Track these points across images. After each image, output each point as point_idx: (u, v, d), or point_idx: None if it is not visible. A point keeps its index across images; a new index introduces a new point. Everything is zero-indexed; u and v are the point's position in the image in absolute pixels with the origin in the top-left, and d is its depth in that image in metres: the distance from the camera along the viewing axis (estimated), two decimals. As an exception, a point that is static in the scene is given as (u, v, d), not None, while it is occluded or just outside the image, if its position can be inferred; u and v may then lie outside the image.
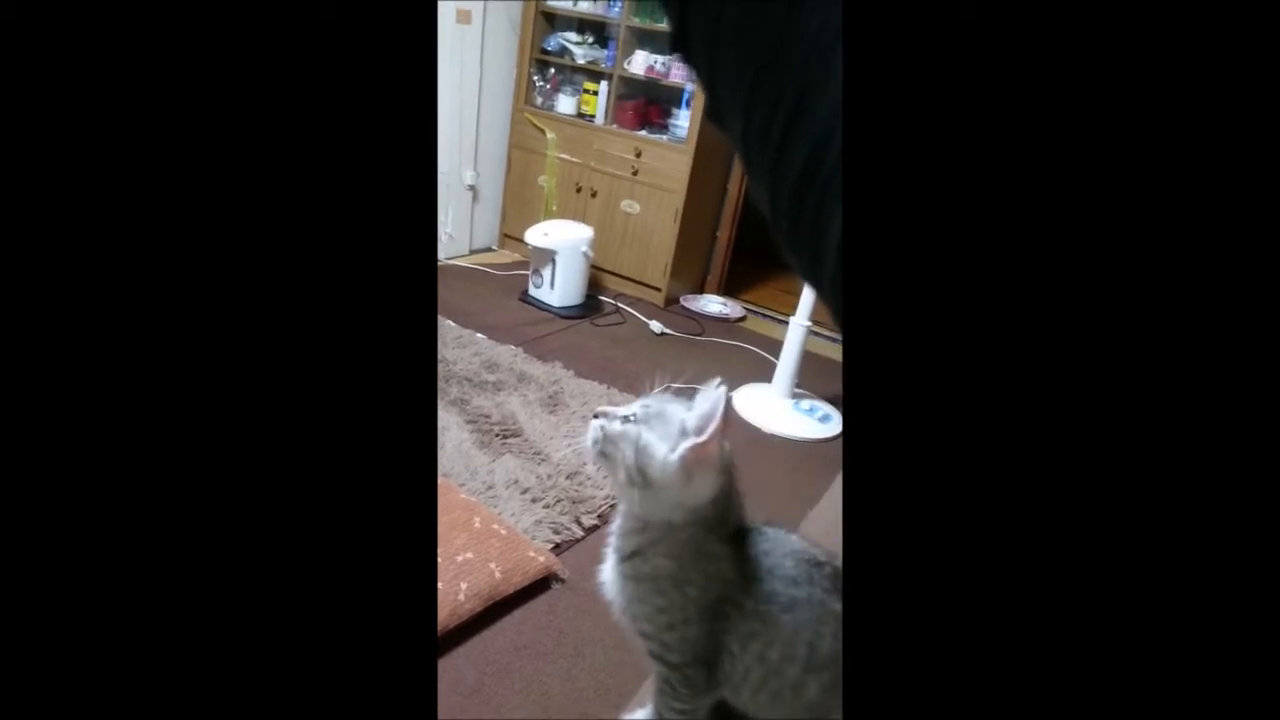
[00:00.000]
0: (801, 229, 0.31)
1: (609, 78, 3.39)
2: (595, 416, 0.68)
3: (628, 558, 0.70)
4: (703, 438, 0.62)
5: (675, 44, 0.35)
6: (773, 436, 2.45)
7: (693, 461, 0.63)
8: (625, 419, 0.66)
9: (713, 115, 0.34)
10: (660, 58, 3.25)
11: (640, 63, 3.28)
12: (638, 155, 3.32)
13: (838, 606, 0.67)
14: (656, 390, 0.72)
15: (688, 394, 0.70)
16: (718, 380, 0.70)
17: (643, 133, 3.36)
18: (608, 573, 0.74)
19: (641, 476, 0.65)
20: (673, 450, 0.63)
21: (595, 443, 0.67)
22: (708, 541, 0.67)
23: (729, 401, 0.64)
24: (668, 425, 0.65)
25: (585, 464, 2.06)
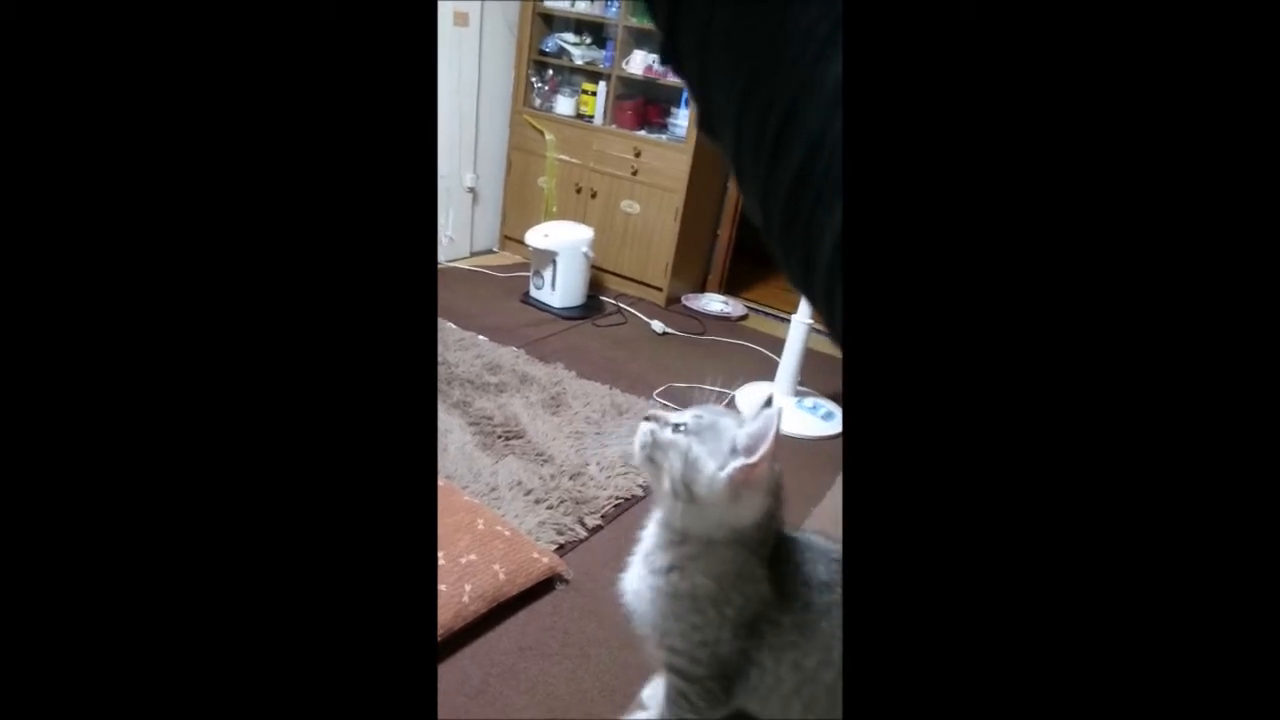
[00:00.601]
0: (794, 233, 0.31)
1: (607, 78, 3.39)
2: (646, 419, 0.67)
3: (664, 571, 0.68)
4: (753, 459, 0.61)
5: (666, 54, 0.34)
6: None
7: (741, 482, 0.61)
8: (676, 427, 0.65)
9: (705, 125, 0.34)
10: (658, 56, 3.25)
11: (638, 62, 3.28)
12: (637, 155, 3.32)
13: None
14: (710, 400, 0.70)
15: (719, 397, 0.69)
16: (768, 397, 0.68)
17: (642, 132, 3.36)
18: (634, 583, 0.72)
19: (687, 490, 0.63)
20: (721, 468, 0.62)
21: (644, 447, 0.65)
22: (749, 563, 0.65)
23: (780, 422, 0.62)
24: (719, 440, 0.63)
25: (588, 464, 2.06)
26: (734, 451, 0.63)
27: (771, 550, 0.68)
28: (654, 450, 0.65)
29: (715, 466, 0.62)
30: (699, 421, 0.65)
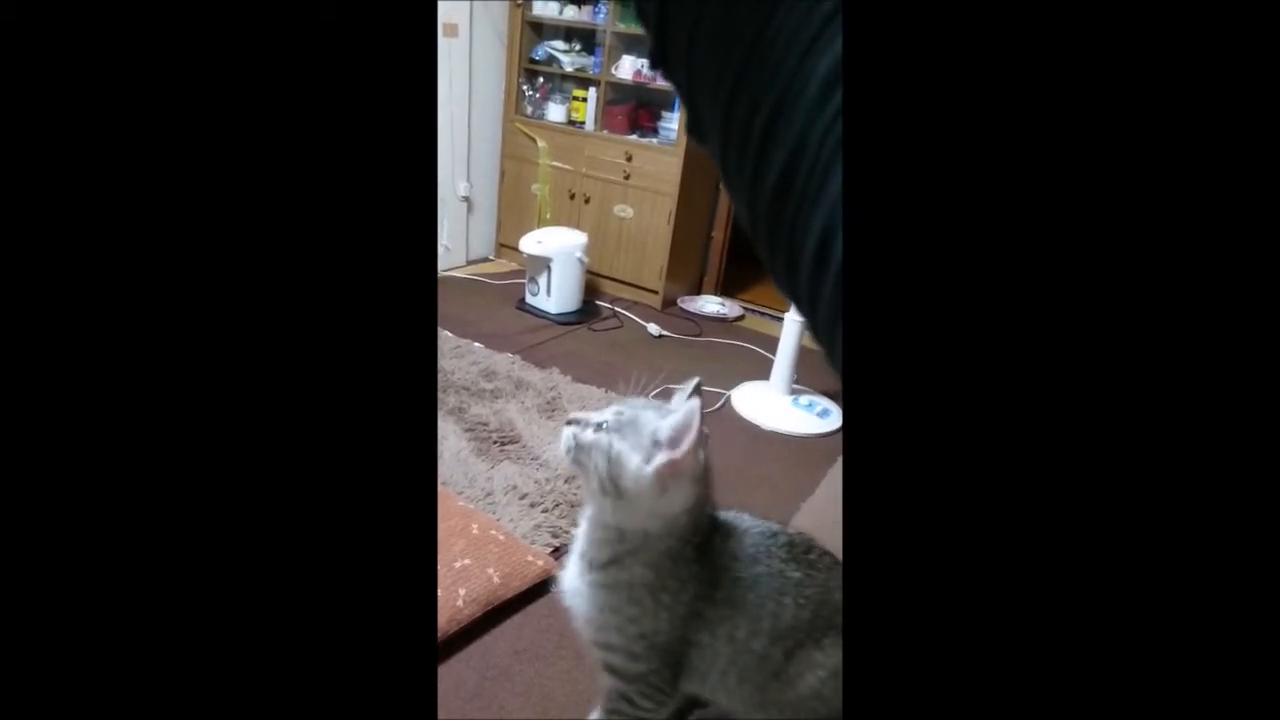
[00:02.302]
0: (779, 234, 0.31)
1: (597, 84, 3.41)
2: (569, 423, 0.68)
3: (602, 566, 0.69)
4: (677, 453, 0.61)
5: (655, 58, 0.35)
6: (772, 434, 2.45)
7: (668, 475, 0.62)
8: (598, 427, 0.66)
9: (693, 128, 0.35)
10: (647, 62, 3.27)
11: (627, 68, 3.30)
12: (629, 160, 3.34)
13: (795, 574, 0.67)
14: (631, 394, 0.71)
15: (669, 395, 0.69)
16: (695, 385, 0.69)
17: (633, 137, 3.37)
18: (571, 581, 0.72)
19: (614, 487, 0.64)
20: (646, 461, 0.63)
21: (568, 451, 0.66)
22: (684, 550, 0.66)
23: (702, 412, 0.63)
24: (640, 434, 0.64)
25: (583, 467, 2.06)
26: (657, 444, 0.62)
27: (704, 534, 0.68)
28: (578, 453, 0.65)
29: (640, 460, 0.62)
30: (619, 418, 0.65)
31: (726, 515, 0.71)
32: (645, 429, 0.64)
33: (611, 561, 0.68)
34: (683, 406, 0.65)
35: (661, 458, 0.61)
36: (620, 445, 0.63)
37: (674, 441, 0.61)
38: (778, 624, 0.66)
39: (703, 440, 0.64)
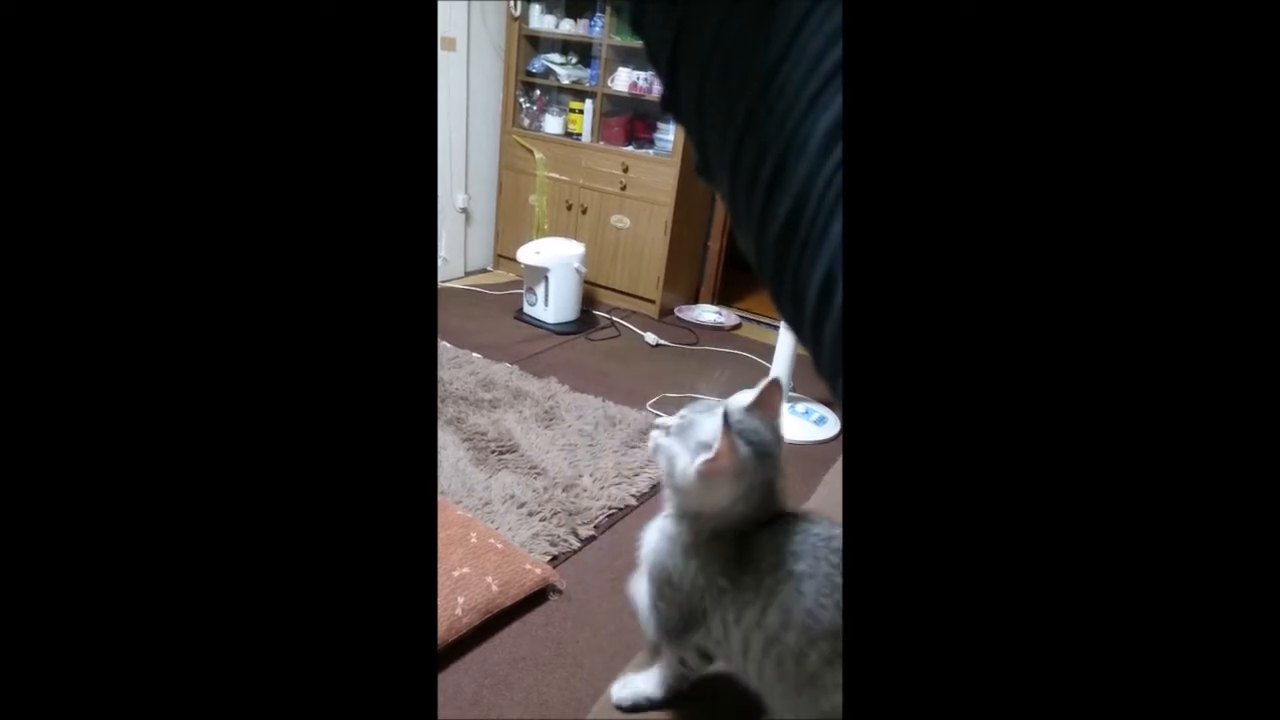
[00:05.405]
0: (784, 275, 0.32)
1: (594, 96, 3.43)
2: (654, 428, 0.80)
3: (667, 515, 0.80)
4: (709, 454, 0.71)
5: (665, 104, 0.37)
6: (769, 442, 2.46)
7: (705, 473, 0.71)
8: (666, 431, 0.78)
9: (702, 170, 0.36)
10: (643, 74, 3.29)
11: (623, 80, 3.32)
12: (625, 170, 3.36)
13: (841, 580, 0.71)
14: (699, 401, 0.81)
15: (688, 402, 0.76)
16: (766, 382, 0.79)
17: (629, 148, 3.39)
18: (650, 528, 0.82)
19: (673, 483, 0.76)
20: (692, 463, 0.72)
21: (653, 452, 0.79)
22: (728, 533, 0.75)
23: (729, 417, 0.71)
24: (693, 438, 0.75)
25: (581, 476, 2.07)
26: (702, 445, 0.72)
27: (760, 525, 0.76)
28: (656, 453, 0.78)
29: (688, 461, 0.73)
30: (681, 422, 0.77)
31: (800, 513, 0.77)
32: (696, 433, 0.74)
33: (671, 515, 0.80)
34: (716, 412, 0.72)
35: (700, 458, 0.71)
36: (676, 448, 0.74)
37: (711, 445, 0.70)
38: (816, 624, 0.69)
39: (750, 439, 0.72)
